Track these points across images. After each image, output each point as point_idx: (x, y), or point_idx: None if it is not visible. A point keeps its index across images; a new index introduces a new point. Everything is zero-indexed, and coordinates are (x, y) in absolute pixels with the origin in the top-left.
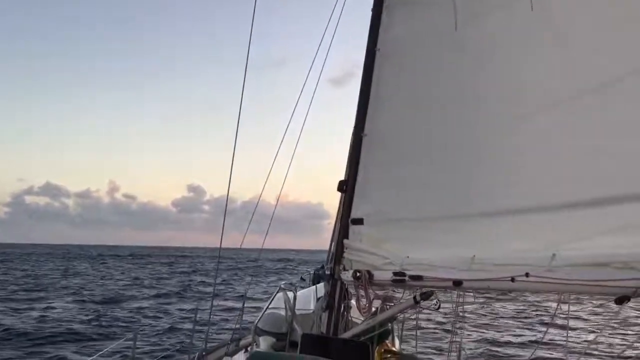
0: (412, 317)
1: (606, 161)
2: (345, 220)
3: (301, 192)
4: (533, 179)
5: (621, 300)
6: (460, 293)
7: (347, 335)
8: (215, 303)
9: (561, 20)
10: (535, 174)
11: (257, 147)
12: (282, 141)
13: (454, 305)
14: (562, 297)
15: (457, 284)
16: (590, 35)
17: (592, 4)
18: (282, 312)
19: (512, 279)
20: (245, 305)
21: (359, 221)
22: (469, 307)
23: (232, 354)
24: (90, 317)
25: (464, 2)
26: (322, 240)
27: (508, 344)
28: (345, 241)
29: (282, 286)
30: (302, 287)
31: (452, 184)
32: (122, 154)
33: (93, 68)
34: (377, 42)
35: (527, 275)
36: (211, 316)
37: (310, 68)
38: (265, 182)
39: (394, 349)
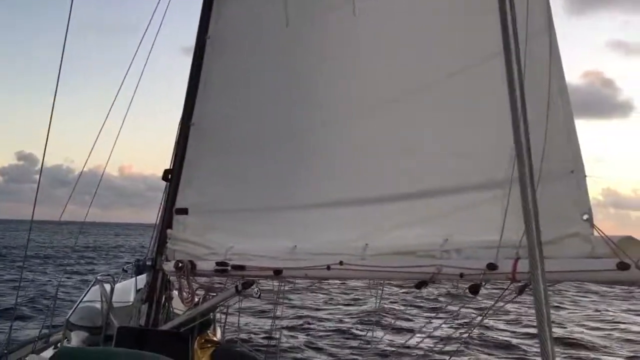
0: (235, 306)
1: (412, 159)
2: (169, 210)
3: (146, 164)
4: (348, 173)
5: (420, 285)
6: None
7: (166, 326)
8: (22, 294)
9: (383, 25)
10: (350, 169)
11: (102, 115)
12: (112, 105)
13: (275, 294)
14: (373, 282)
15: (278, 273)
16: (409, 41)
17: (414, 12)
18: (98, 305)
19: (328, 267)
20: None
21: (183, 211)
22: (294, 297)
23: (39, 352)
24: None
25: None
26: None
27: (326, 331)
28: (168, 231)
29: (99, 278)
30: (125, 279)
31: (275, 176)
32: None
33: None
34: (207, 30)
35: (341, 263)
36: (16, 308)
37: (143, 36)
38: (92, 149)
39: (215, 338)
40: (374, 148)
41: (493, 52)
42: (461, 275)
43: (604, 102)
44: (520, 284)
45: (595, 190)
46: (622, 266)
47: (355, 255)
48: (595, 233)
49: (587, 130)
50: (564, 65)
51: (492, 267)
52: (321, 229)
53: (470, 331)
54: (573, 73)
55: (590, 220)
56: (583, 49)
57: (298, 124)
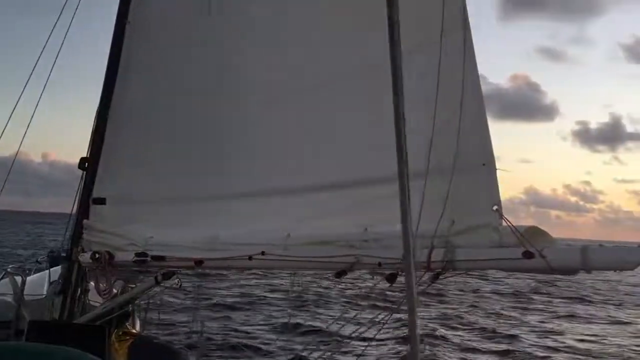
0: (156, 297)
1: (332, 150)
2: (86, 200)
3: (73, 149)
4: (270, 164)
5: (339, 274)
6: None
7: (82, 319)
8: None
9: (304, 16)
10: (271, 159)
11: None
12: (26, 83)
13: (195, 285)
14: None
15: (199, 263)
16: (329, 31)
17: (328, 12)
18: (8, 299)
19: (250, 258)
20: None
21: (100, 201)
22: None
23: None
24: None
25: None
26: None
27: (249, 323)
28: (85, 221)
29: (9, 270)
30: (39, 271)
31: (196, 166)
32: None
33: None
34: (127, 15)
35: (263, 253)
36: None
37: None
38: (3, 131)
39: (133, 330)
40: (294, 139)
41: (410, 47)
42: (379, 264)
43: (531, 105)
44: (434, 273)
45: (517, 189)
46: (527, 255)
47: (277, 245)
48: (504, 223)
49: (513, 132)
50: (494, 69)
51: None
52: (244, 219)
53: (387, 318)
54: (502, 76)
55: (499, 211)
56: (513, 53)
57: (218, 113)
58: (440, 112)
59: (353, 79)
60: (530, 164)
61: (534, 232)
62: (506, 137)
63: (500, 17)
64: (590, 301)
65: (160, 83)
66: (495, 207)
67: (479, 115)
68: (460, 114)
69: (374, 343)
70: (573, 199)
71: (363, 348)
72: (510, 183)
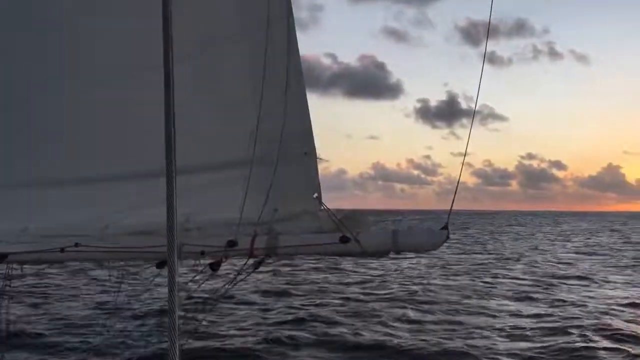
0: None
1: (151, 139)
2: None
3: None
4: (86, 151)
5: (162, 264)
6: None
7: None
8: None
9: (105, 11)
10: (87, 146)
11: None
12: None
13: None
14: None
15: (2, 257)
16: (142, 16)
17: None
18: None
19: (62, 250)
20: None
21: None
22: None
23: None
24: None
25: None
26: None
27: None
28: None
29: None
30: None
31: (1, 151)
32: None
33: None
34: None
35: (76, 245)
36: None
37: None
38: None
39: None
40: (110, 126)
41: (231, 35)
42: (202, 252)
43: (378, 83)
44: (257, 259)
45: (367, 165)
46: (344, 239)
47: (93, 236)
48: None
49: (363, 109)
50: (344, 49)
51: (232, 244)
52: (54, 209)
53: (213, 306)
54: (352, 55)
55: (319, 198)
56: (361, 34)
57: (28, 98)
58: (265, 103)
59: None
60: (378, 140)
61: (351, 218)
62: (356, 115)
63: None
64: None
65: None
66: (315, 195)
67: (301, 107)
68: (285, 104)
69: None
70: (415, 172)
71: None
72: (360, 159)
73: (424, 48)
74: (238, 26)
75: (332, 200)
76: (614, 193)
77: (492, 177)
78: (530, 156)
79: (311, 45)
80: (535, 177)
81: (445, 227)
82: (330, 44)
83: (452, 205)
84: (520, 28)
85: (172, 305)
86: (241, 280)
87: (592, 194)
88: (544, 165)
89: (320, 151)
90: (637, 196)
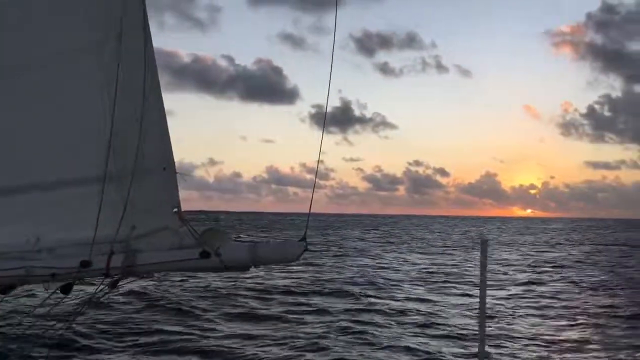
0: None
1: (10, 149)
2: None
3: None
4: None
5: (6, 290)
6: None
7: None
8: None
9: None
10: None
11: None
12: None
13: None
14: None
15: None
16: (14, 14)
17: None
18: None
19: None
20: None
21: None
22: None
23: None
24: None
25: None
26: None
27: None
28: None
29: None
30: None
31: None
32: None
33: None
34: None
35: None
36: None
37: None
38: None
39: None
40: None
41: (82, 47)
42: (53, 275)
43: (275, 88)
44: (113, 279)
45: (260, 169)
46: (204, 255)
47: None
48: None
49: (259, 113)
50: (241, 51)
51: (85, 264)
52: None
53: (69, 325)
54: (249, 59)
55: (179, 213)
56: (258, 39)
57: None
58: (120, 116)
59: (28, 72)
60: (273, 144)
61: (210, 234)
62: (252, 118)
63: (251, 2)
64: None
65: None
66: (175, 210)
67: (159, 120)
68: (141, 118)
69: None
70: (309, 176)
71: None
72: (254, 163)
73: (320, 55)
74: (89, 36)
75: (227, 202)
76: (490, 199)
77: (382, 182)
78: (417, 163)
79: (208, 46)
80: (421, 182)
81: (303, 239)
82: (228, 46)
83: (308, 218)
84: (411, 41)
85: None
86: (97, 300)
87: (472, 199)
88: (429, 172)
89: (215, 154)
90: (511, 202)
